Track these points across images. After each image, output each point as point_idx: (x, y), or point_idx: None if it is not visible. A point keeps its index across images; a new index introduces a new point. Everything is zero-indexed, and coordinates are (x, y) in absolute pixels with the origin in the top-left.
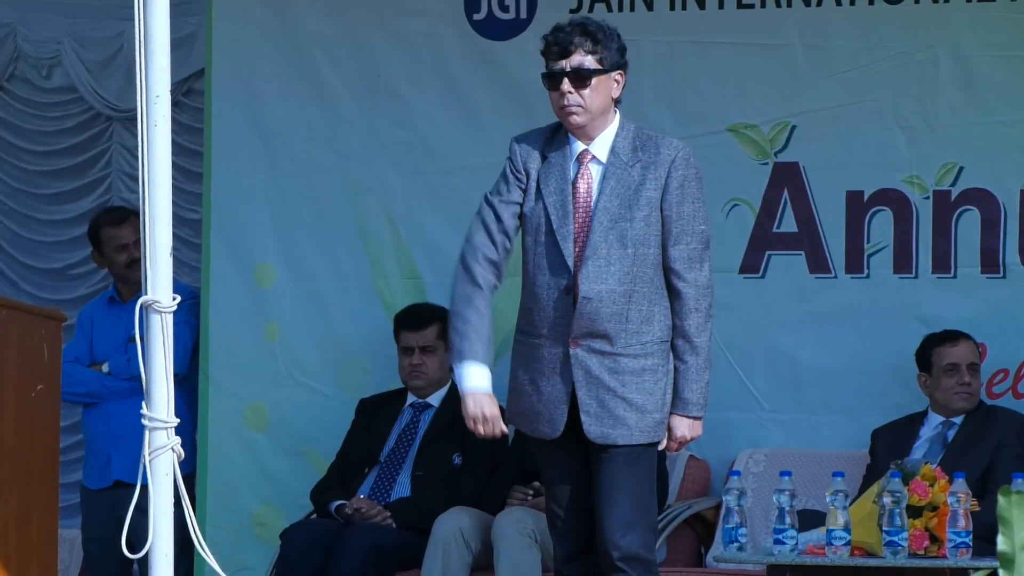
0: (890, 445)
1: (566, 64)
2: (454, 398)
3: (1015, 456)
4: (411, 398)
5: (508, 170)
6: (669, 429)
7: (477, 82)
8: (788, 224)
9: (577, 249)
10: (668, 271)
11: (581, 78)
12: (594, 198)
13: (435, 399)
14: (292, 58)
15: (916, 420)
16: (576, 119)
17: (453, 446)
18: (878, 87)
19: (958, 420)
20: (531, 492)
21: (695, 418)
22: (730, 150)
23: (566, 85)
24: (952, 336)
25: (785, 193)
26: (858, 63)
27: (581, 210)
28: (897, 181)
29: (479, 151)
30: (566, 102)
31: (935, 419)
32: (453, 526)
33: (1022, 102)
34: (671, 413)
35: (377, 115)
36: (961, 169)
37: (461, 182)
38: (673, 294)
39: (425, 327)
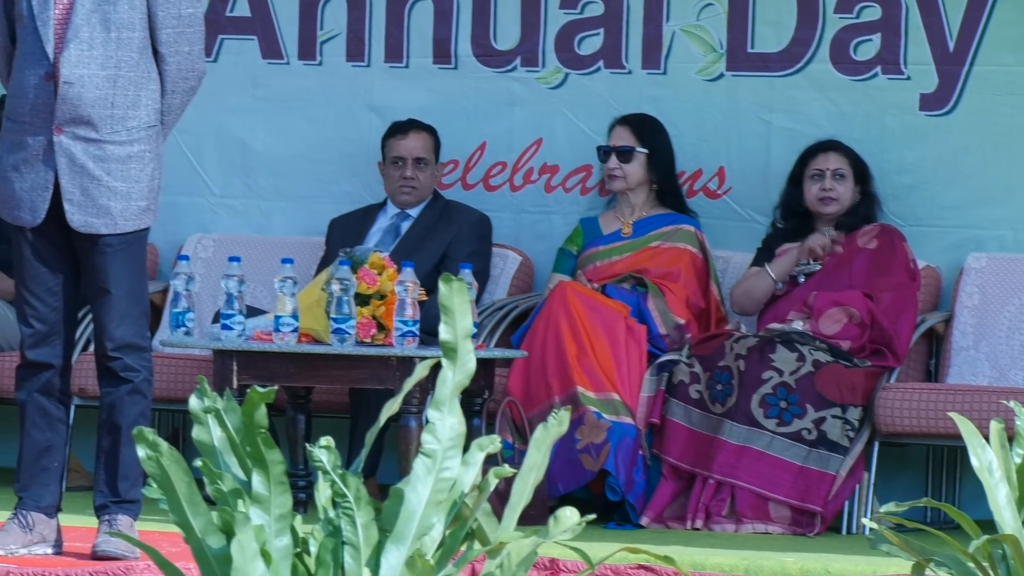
0: (344, 234)
1: None
2: None
3: (468, 252)
4: None
5: None
6: None
7: None
8: (242, 8)
9: (59, 34)
10: (155, 54)
11: None
12: None
13: None
14: None
15: (373, 210)
16: None
17: None
18: None
19: (414, 212)
20: None
21: None
22: None
23: None
24: (403, 127)
25: None
26: None
27: None
28: None
29: None
30: None
31: (392, 210)
32: None
33: None
34: None
35: None
36: None
37: None
38: (160, 77)
39: None
